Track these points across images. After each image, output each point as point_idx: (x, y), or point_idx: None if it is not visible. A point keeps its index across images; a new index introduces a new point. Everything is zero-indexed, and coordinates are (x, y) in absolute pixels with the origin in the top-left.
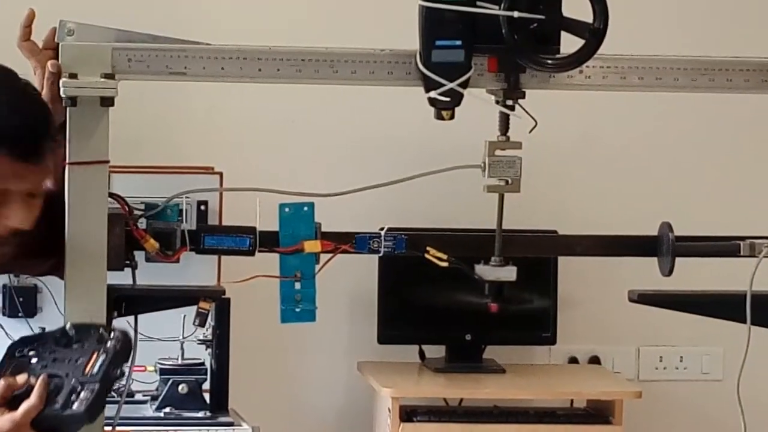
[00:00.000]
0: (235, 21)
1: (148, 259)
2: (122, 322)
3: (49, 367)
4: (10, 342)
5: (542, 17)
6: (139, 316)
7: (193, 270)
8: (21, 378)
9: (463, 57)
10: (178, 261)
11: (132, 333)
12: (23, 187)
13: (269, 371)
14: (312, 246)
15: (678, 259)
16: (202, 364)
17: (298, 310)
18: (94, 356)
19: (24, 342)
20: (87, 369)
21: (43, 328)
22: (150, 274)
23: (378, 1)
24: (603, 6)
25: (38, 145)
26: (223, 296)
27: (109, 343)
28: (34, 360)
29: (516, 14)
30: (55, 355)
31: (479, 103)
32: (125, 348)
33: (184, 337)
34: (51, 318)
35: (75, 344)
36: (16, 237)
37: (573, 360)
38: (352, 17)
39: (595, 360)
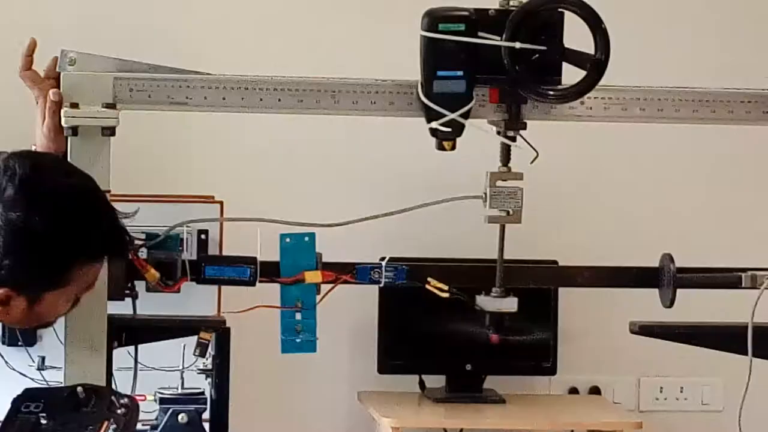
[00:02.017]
0: (237, 51)
1: (148, 289)
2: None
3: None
4: (9, 371)
5: (544, 48)
6: (140, 345)
7: (194, 300)
8: None
9: (464, 87)
10: (178, 291)
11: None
12: None
13: (269, 401)
14: (313, 276)
15: (679, 291)
16: (202, 393)
17: (298, 340)
18: (104, 425)
19: (29, 397)
20: None
21: (43, 357)
22: (151, 304)
23: (381, 31)
24: (604, 37)
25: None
26: (223, 326)
27: (119, 411)
28: (43, 421)
29: (518, 45)
30: (64, 419)
31: (481, 134)
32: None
33: (184, 367)
34: (51, 347)
35: (84, 408)
36: None
37: (573, 390)
38: (355, 47)
39: (595, 390)
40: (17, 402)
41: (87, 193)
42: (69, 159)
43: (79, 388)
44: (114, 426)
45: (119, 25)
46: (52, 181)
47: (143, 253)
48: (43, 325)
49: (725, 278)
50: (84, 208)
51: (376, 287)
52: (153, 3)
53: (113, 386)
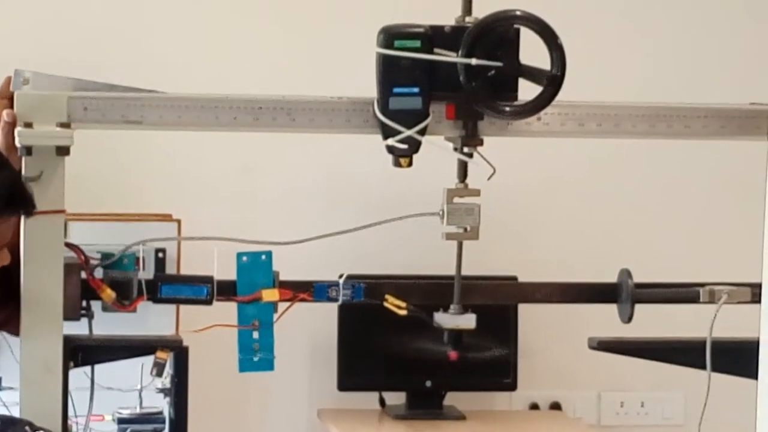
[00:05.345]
0: (192, 69)
1: (105, 309)
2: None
3: None
4: None
5: (500, 64)
6: (97, 365)
7: (152, 319)
8: None
9: (420, 104)
10: (135, 310)
11: None
12: None
13: (228, 420)
14: (270, 295)
15: (638, 305)
16: (161, 413)
17: (256, 359)
18: None
19: None
20: None
21: (0, 378)
22: (107, 324)
23: (337, 48)
24: (560, 53)
25: None
26: (181, 345)
27: None
28: None
29: (474, 62)
30: None
31: (438, 150)
32: None
33: (142, 386)
34: (7, 367)
35: None
36: None
37: (534, 406)
38: (311, 64)
39: (556, 406)
40: None
41: None
42: (23, 178)
43: (27, 427)
44: None
45: (74, 46)
46: None
47: (99, 273)
48: None
49: (683, 293)
50: None
51: (335, 304)
52: (107, 23)
53: (71, 406)
